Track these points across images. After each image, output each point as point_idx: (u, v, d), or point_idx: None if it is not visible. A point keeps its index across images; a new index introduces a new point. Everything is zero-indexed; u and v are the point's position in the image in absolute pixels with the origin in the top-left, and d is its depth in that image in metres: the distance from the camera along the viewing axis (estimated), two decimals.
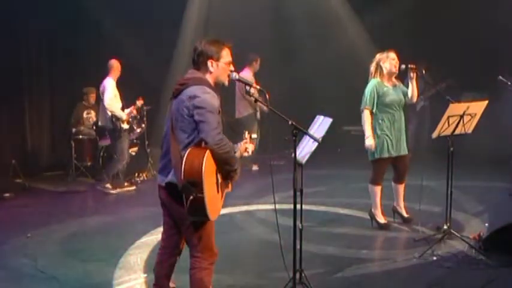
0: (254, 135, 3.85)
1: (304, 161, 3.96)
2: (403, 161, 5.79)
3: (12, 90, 8.77)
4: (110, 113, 7.59)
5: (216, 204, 3.34)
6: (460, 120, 5.08)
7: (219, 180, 3.38)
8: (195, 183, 3.13)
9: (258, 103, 8.40)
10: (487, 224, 5.83)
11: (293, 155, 3.80)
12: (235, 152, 3.53)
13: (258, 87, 3.81)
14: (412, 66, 5.62)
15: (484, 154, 8.56)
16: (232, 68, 3.54)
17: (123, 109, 7.76)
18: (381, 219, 5.84)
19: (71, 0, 8.76)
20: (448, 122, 5.05)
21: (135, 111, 8.08)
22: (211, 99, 3.28)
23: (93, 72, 7.62)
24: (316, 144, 3.93)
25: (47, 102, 9.58)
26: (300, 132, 3.77)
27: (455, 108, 5.07)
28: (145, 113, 8.79)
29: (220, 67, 3.45)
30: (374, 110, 5.63)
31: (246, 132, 3.78)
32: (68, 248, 5.41)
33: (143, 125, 8.81)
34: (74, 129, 8.92)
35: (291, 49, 10.89)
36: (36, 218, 6.51)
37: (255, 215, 6.53)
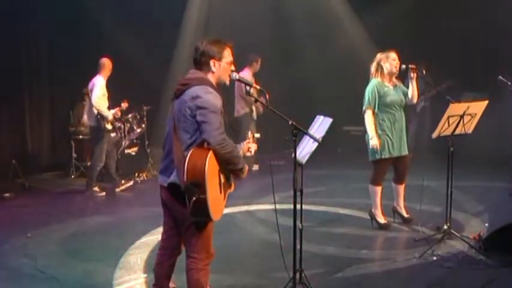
0: (257, 135, 3.86)
1: (304, 161, 3.96)
2: (403, 162, 5.79)
3: (12, 90, 8.78)
4: (96, 112, 7.49)
5: (219, 205, 3.34)
6: (460, 120, 5.08)
7: (222, 181, 3.38)
8: (197, 184, 3.13)
9: (255, 103, 8.56)
10: (487, 224, 5.82)
11: (293, 155, 3.80)
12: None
13: (258, 87, 3.81)
14: (412, 66, 5.62)
15: (484, 154, 8.56)
16: (233, 67, 3.54)
17: (109, 109, 7.61)
18: (381, 219, 5.84)
19: (71, 0, 8.77)
20: (448, 122, 5.05)
21: (119, 113, 7.92)
22: (214, 99, 3.28)
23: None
24: (316, 144, 3.92)
25: (47, 102, 9.59)
26: (300, 132, 3.77)
27: (455, 108, 5.07)
28: (145, 113, 8.79)
29: (222, 67, 3.45)
30: (375, 110, 5.62)
31: (249, 132, 3.78)
32: (68, 248, 5.41)
33: (143, 125, 8.81)
34: (73, 129, 8.93)
35: (291, 49, 10.89)
36: (36, 218, 6.51)
37: (255, 215, 6.53)
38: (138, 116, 8.74)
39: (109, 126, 7.64)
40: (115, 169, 8.01)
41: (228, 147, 3.26)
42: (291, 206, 3.82)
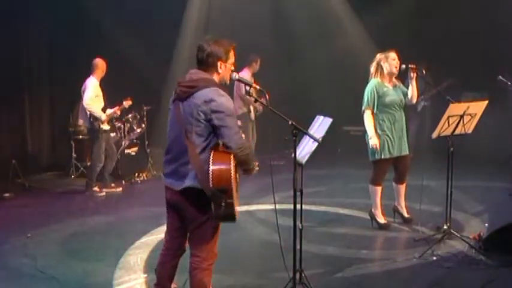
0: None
1: (304, 161, 3.96)
2: (403, 161, 5.79)
3: (12, 90, 8.78)
4: (88, 113, 7.47)
5: (237, 204, 3.35)
6: (460, 120, 5.08)
7: (237, 180, 3.39)
8: (224, 190, 3.14)
9: (253, 103, 8.57)
10: (486, 224, 5.82)
11: (293, 155, 3.80)
12: None
13: (258, 87, 3.81)
14: (412, 66, 5.62)
15: (484, 154, 8.56)
16: (232, 67, 3.53)
17: (105, 109, 7.60)
18: (381, 219, 5.84)
19: (71, 0, 8.77)
20: (448, 122, 5.05)
21: (118, 112, 7.85)
22: (228, 102, 3.27)
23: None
24: (316, 144, 3.92)
25: (47, 102, 9.59)
26: (299, 132, 3.77)
27: (455, 108, 5.07)
28: (145, 113, 8.79)
29: (227, 68, 3.44)
30: (375, 111, 5.63)
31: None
32: (68, 248, 5.41)
33: (143, 125, 8.81)
34: (73, 129, 8.93)
35: (291, 49, 10.90)
36: (36, 218, 6.51)
37: (255, 215, 6.53)
38: (138, 116, 8.74)
39: (105, 127, 7.60)
40: (111, 170, 8.00)
41: (246, 149, 3.27)
42: (291, 206, 3.82)
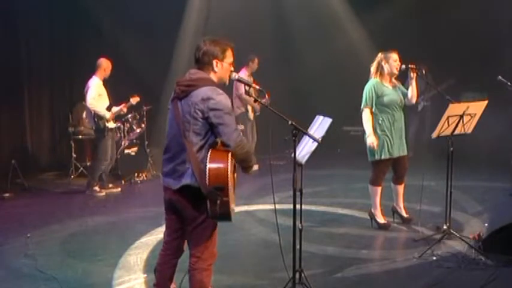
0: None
1: (304, 161, 3.96)
2: (402, 162, 5.79)
3: (12, 90, 8.78)
4: (93, 112, 7.48)
5: (233, 204, 3.35)
6: (459, 120, 5.08)
7: (235, 180, 3.40)
8: (221, 188, 3.15)
9: (251, 104, 8.56)
10: (486, 224, 5.82)
11: (293, 155, 3.80)
12: None
13: (258, 87, 3.82)
14: (412, 66, 5.62)
15: (484, 154, 8.56)
16: (232, 68, 3.54)
17: (110, 108, 7.60)
18: (381, 220, 5.84)
19: (70, 0, 8.77)
20: (448, 122, 5.05)
21: (125, 109, 7.84)
22: (225, 100, 3.28)
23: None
24: (316, 144, 3.93)
25: (47, 102, 9.58)
26: (299, 132, 3.77)
27: (455, 108, 5.07)
28: (145, 113, 8.79)
29: (224, 67, 3.45)
30: (374, 110, 5.63)
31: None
32: (68, 248, 5.41)
33: (143, 125, 8.81)
34: (73, 129, 8.93)
35: (291, 49, 10.89)
36: (36, 218, 6.51)
37: (254, 215, 6.53)
38: (138, 116, 8.74)
39: (111, 125, 7.62)
40: (109, 170, 8.00)
41: (245, 147, 3.29)
42: (291, 206, 3.82)
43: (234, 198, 3.41)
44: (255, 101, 3.91)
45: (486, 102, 5.25)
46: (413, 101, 5.81)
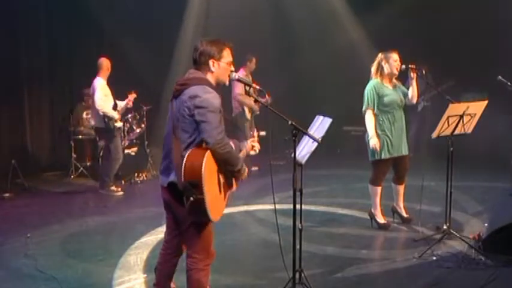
0: (263, 133, 3.86)
1: (304, 161, 3.96)
2: (403, 162, 5.79)
3: (12, 90, 8.78)
4: (102, 114, 7.50)
5: (218, 205, 3.34)
6: (459, 120, 5.08)
7: (221, 181, 3.38)
8: (195, 185, 3.13)
9: (247, 104, 8.56)
10: (486, 224, 5.82)
11: (293, 155, 3.80)
12: (240, 150, 3.55)
13: (258, 87, 3.82)
14: (412, 66, 5.62)
15: (484, 154, 8.56)
16: (232, 68, 3.55)
17: (115, 106, 7.63)
18: (381, 220, 5.84)
19: (71, 0, 8.77)
20: (448, 122, 5.05)
21: (131, 103, 7.92)
22: (213, 99, 3.28)
23: (93, 73, 7.61)
24: (316, 144, 3.93)
25: (47, 102, 9.59)
26: (299, 132, 3.77)
27: (455, 108, 5.07)
28: (145, 113, 8.80)
29: (222, 67, 3.45)
30: (375, 111, 5.63)
31: (255, 130, 3.78)
32: (68, 248, 5.40)
33: (143, 125, 8.81)
34: (73, 129, 8.93)
35: (291, 49, 10.90)
36: (36, 218, 6.51)
37: (254, 215, 6.53)
38: (138, 116, 8.74)
39: (119, 124, 7.66)
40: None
41: (226, 147, 3.26)
42: (291, 206, 3.82)
43: (223, 199, 3.40)
44: (255, 101, 3.90)
45: (486, 102, 5.25)
46: (414, 101, 5.81)
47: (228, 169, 3.37)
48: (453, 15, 9.54)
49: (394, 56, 5.67)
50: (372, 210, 5.87)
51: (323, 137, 3.97)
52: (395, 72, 5.67)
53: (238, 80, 3.69)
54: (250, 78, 8.43)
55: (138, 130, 8.71)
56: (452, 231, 5.24)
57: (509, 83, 6.91)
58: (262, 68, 8.88)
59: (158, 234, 5.58)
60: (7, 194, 7.50)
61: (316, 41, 10.66)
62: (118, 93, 7.94)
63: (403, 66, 5.63)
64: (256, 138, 3.74)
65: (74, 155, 8.80)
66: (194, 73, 3.44)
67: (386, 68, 5.67)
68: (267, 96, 3.74)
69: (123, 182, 8.32)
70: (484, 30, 9.11)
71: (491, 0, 9.17)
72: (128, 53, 9.10)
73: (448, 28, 9.66)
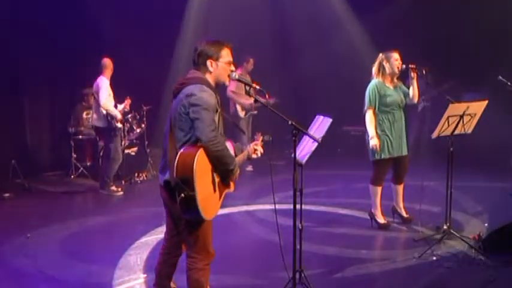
0: (267, 137, 3.86)
1: (304, 161, 3.96)
2: (402, 162, 5.79)
3: (12, 90, 8.77)
4: (105, 112, 7.53)
5: (212, 204, 3.32)
6: (460, 120, 5.08)
7: (216, 180, 3.37)
8: (186, 181, 3.13)
9: (238, 102, 8.55)
10: (486, 224, 5.83)
11: (293, 155, 3.80)
12: (242, 151, 3.55)
13: (258, 87, 3.81)
14: (412, 66, 5.63)
15: (484, 154, 8.55)
16: (233, 67, 3.55)
17: (115, 106, 7.68)
18: (381, 220, 5.84)
19: (71, 0, 8.76)
20: (448, 122, 5.06)
21: (128, 106, 7.99)
22: (208, 97, 3.29)
23: (93, 73, 7.61)
24: (316, 144, 3.93)
25: (47, 102, 9.58)
26: (299, 132, 3.77)
27: (455, 108, 5.07)
28: (145, 113, 8.80)
29: (220, 67, 3.46)
30: (376, 110, 5.63)
31: (260, 134, 3.79)
32: (68, 248, 5.41)
33: (143, 125, 8.81)
34: (73, 129, 8.93)
35: (291, 49, 10.89)
36: (36, 218, 6.51)
37: (254, 215, 6.53)
38: (138, 116, 8.74)
39: (119, 125, 7.68)
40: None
41: (219, 145, 3.26)
42: (291, 206, 3.82)
43: (218, 198, 3.40)
44: (255, 101, 3.90)
45: (486, 102, 5.25)
46: (415, 100, 5.82)
47: (221, 168, 3.37)
48: (453, 14, 9.53)
49: (395, 55, 5.68)
50: (372, 210, 5.87)
51: (323, 137, 3.97)
52: (397, 71, 5.67)
53: (239, 80, 3.69)
54: (248, 78, 8.43)
55: (138, 130, 8.71)
56: (452, 231, 5.24)
57: (509, 83, 6.92)
58: (262, 68, 8.88)
59: (158, 234, 5.58)
60: (7, 194, 7.49)
61: (316, 41, 10.64)
62: (117, 93, 7.94)
63: (404, 66, 5.64)
64: (260, 142, 3.73)
65: (74, 155, 8.80)
66: (193, 73, 3.46)
67: (387, 68, 5.67)
68: (266, 96, 3.73)
69: (123, 182, 8.32)
70: (484, 30, 9.10)
71: (492, 0, 9.17)
72: (127, 53, 9.08)
73: (448, 28, 9.65)
